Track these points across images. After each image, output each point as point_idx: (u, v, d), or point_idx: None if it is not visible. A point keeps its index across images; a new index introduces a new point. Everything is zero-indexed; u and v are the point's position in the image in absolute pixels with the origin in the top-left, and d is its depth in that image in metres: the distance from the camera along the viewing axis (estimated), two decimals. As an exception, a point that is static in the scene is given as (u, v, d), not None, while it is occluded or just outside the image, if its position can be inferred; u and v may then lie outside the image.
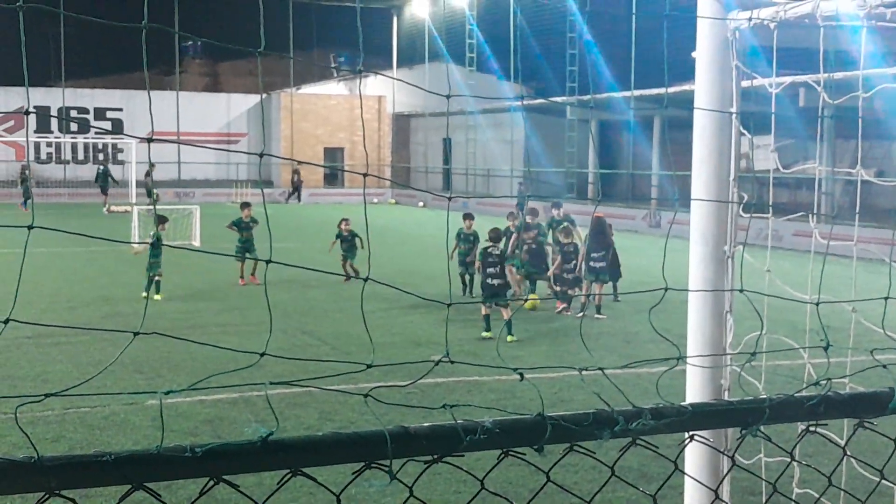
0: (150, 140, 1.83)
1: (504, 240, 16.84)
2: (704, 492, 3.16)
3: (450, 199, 2.13)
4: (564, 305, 17.36)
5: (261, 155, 1.84)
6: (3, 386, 11.63)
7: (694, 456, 3.28)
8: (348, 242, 20.81)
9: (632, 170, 44.81)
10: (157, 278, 17.95)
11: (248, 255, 19.47)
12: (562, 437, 1.93)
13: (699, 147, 3.64)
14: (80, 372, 12.28)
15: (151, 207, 29.38)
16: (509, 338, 14.70)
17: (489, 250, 15.78)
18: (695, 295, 3.50)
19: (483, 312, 15.35)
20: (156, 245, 17.54)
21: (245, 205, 20.85)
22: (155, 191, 45.28)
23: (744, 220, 3.74)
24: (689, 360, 3.40)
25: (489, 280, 15.57)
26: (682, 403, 2.09)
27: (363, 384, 9.71)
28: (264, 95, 61.26)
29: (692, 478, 3.18)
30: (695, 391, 3.41)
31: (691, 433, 2.16)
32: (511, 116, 49.74)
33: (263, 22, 2.26)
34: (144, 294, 17.93)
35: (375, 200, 54.82)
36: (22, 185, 45.22)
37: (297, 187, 54.38)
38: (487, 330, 15.12)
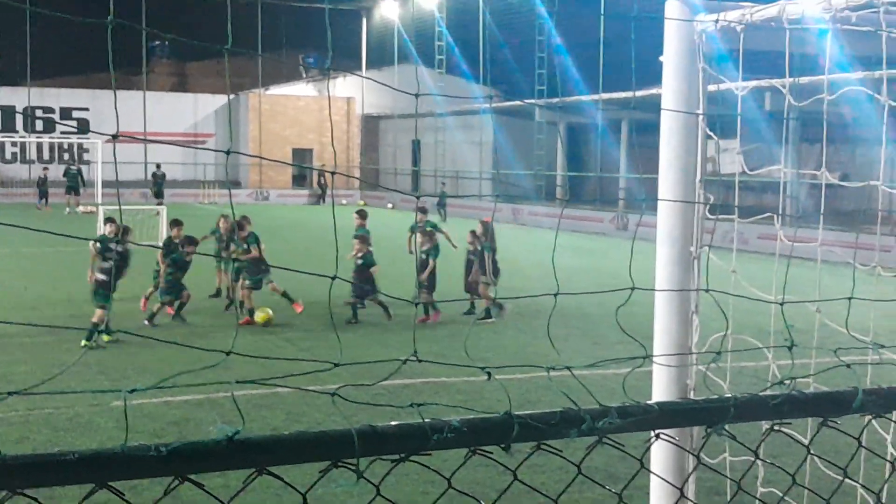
0: (115, 136, 1.82)
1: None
2: (670, 491, 3.18)
3: (418, 197, 2.13)
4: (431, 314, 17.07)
5: (227, 153, 1.83)
6: (-34, 387, 11.49)
7: (660, 455, 3.30)
8: None
9: (600, 172, 45.04)
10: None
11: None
12: (529, 435, 1.93)
13: (666, 149, 3.66)
14: (44, 373, 12.14)
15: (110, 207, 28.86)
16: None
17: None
18: (661, 295, 3.52)
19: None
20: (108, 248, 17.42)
21: (175, 223, 18.08)
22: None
23: (710, 221, 3.77)
24: (655, 359, 3.42)
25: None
26: (649, 402, 2.11)
27: (330, 385, 9.66)
28: (232, 96, 60.99)
29: (658, 476, 3.20)
30: (661, 390, 3.44)
31: (657, 432, 2.17)
32: (480, 119, 49.85)
33: (232, 21, 2.25)
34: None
35: (344, 202, 54.68)
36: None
37: (324, 189, 54.27)
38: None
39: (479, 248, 17.18)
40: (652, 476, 3.31)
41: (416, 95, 2.26)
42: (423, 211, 19.99)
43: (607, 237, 36.84)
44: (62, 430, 9.89)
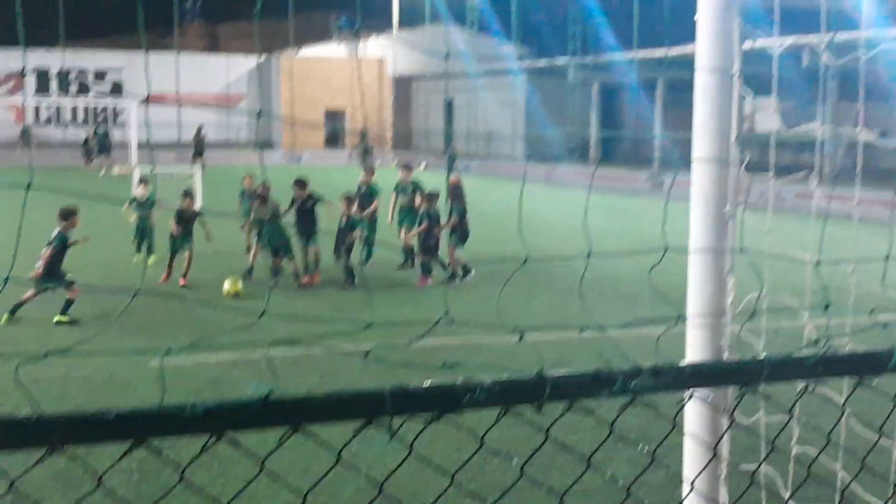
0: (147, 101, 1.83)
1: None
2: (704, 450, 3.18)
3: (450, 157, 2.12)
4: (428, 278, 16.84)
5: (259, 115, 1.83)
6: (6, 346, 11.67)
7: (693, 415, 3.29)
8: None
9: (634, 132, 44.68)
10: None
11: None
12: (561, 395, 1.93)
13: (701, 108, 3.62)
14: (82, 333, 12.33)
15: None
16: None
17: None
18: (695, 256, 3.50)
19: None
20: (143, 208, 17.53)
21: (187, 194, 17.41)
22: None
23: (745, 181, 3.73)
24: (689, 320, 3.41)
25: None
26: (682, 362, 2.10)
27: (364, 345, 9.75)
28: (263, 57, 60.90)
29: (692, 436, 3.20)
30: (695, 351, 3.42)
31: (691, 390, 2.17)
32: (512, 78, 49.51)
33: (263, -20, 2.24)
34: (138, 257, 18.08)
35: (378, 162, 54.70)
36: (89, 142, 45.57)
37: (367, 150, 53.76)
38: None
39: (433, 210, 16.85)
40: (685, 436, 3.31)
41: (446, 57, 2.24)
42: (408, 168, 18.99)
43: (641, 197, 36.61)
44: (101, 389, 10.04)
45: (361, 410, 1.77)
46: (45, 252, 13.27)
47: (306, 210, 16.54)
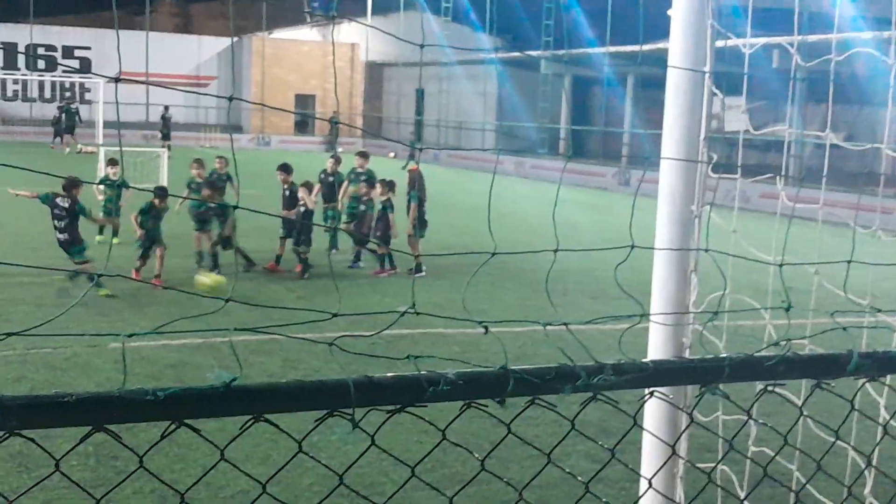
0: (117, 80, 1.81)
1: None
2: (662, 447, 3.21)
3: (419, 150, 2.12)
4: (391, 269, 16.75)
5: (230, 99, 1.82)
6: (-35, 325, 11.54)
7: (653, 412, 3.32)
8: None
9: (604, 127, 44.82)
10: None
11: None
12: (524, 390, 1.94)
13: (671, 106, 3.64)
14: (42, 313, 12.20)
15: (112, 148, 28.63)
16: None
17: None
18: (660, 253, 3.52)
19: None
20: (113, 188, 17.27)
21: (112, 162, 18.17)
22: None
23: (712, 180, 3.75)
24: (652, 317, 3.43)
25: None
26: (644, 360, 2.11)
27: (329, 333, 9.71)
28: (235, 39, 60.48)
29: (651, 433, 3.22)
30: (657, 348, 3.45)
31: (651, 389, 2.18)
32: (486, 69, 49.49)
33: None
34: (100, 237, 17.87)
35: (340, 149, 54.51)
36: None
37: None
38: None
39: (390, 199, 16.67)
40: (644, 432, 3.33)
41: (422, 46, 2.24)
42: (365, 156, 18.56)
43: (610, 192, 36.79)
44: (60, 370, 9.95)
45: (325, 401, 1.77)
46: (62, 224, 13.60)
47: (290, 195, 16.43)
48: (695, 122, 3.56)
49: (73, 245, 13.69)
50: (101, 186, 17.92)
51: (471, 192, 31.88)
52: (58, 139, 45.53)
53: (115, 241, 17.27)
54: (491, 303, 14.27)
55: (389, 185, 16.85)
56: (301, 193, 16.32)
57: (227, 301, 1.92)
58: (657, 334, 3.50)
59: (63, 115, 46.53)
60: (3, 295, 13.07)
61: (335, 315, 1.95)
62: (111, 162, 18.90)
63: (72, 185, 13.45)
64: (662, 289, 3.51)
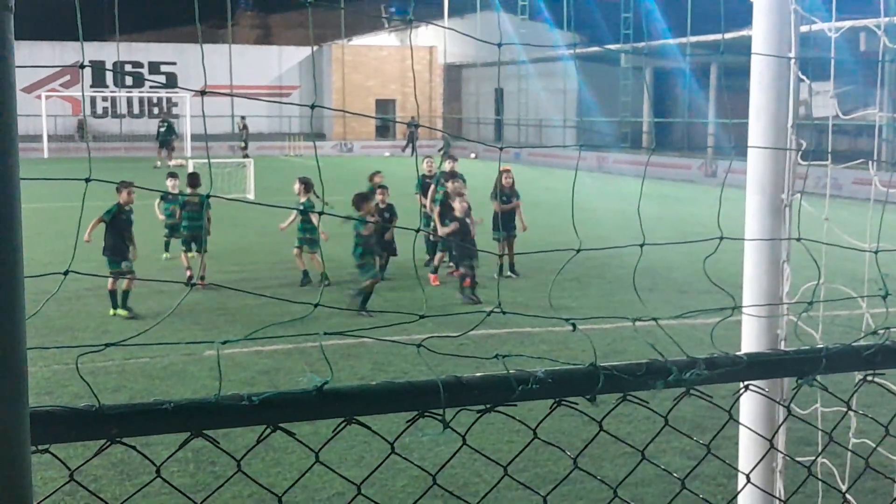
0: (203, 93, 1.84)
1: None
2: (759, 442, 3.14)
3: (501, 149, 2.12)
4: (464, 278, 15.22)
5: (312, 106, 1.84)
6: (65, 337, 11.89)
7: (749, 406, 3.25)
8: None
9: (687, 118, 44.22)
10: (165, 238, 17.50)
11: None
12: (614, 386, 1.92)
13: (756, 94, 3.56)
14: (138, 323, 12.52)
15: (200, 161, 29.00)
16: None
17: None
18: (751, 244, 3.45)
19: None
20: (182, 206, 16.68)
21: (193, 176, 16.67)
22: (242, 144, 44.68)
23: (802, 168, 3.67)
24: (744, 310, 3.37)
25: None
26: (737, 353, 2.08)
27: (416, 335, 9.77)
28: (315, 48, 61.24)
29: (747, 427, 3.16)
30: (750, 341, 3.38)
31: (746, 383, 2.14)
32: (563, 66, 49.22)
33: (313, -28, 2.24)
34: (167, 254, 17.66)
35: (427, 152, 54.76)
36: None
37: (410, 139, 53.28)
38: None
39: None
40: (741, 427, 3.27)
41: (499, 45, 2.23)
42: (453, 158, 18.27)
43: (695, 184, 36.25)
44: (157, 379, 10.19)
45: (415, 402, 1.78)
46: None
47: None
48: (781, 109, 3.48)
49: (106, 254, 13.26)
50: (162, 204, 17.64)
51: (554, 189, 31.74)
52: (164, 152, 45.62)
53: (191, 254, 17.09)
54: (577, 300, 14.18)
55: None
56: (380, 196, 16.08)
57: (315, 306, 1.95)
58: (750, 327, 3.43)
59: (162, 130, 47.25)
60: (101, 307, 13.43)
61: (422, 317, 1.96)
62: (170, 175, 18.15)
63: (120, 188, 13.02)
64: (754, 280, 3.44)
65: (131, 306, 13.23)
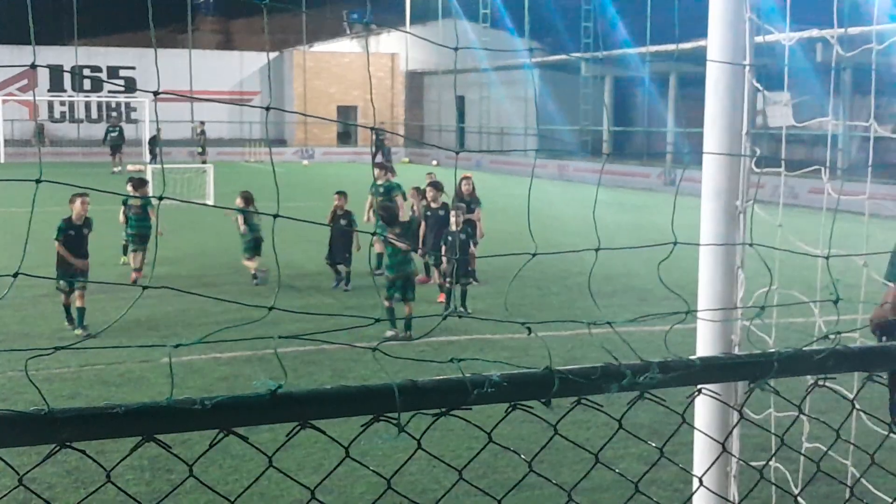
0: (156, 93, 1.83)
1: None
2: (714, 446, 3.17)
3: (457, 153, 2.12)
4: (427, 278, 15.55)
5: (268, 109, 1.84)
6: (20, 343, 11.73)
7: (703, 410, 3.29)
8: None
9: (646, 127, 44.56)
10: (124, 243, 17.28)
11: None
12: (569, 390, 1.93)
13: (712, 102, 3.61)
14: (95, 329, 12.37)
15: (158, 167, 28.78)
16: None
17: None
18: (706, 250, 3.49)
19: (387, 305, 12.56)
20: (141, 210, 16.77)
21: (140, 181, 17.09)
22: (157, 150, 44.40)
23: (757, 176, 3.71)
24: (699, 315, 3.40)
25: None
26: (691, 357, 2.10)
27: (375, 341, 9.76)
28: (276, 53, 60.98)
29: (701, 431, 3.19)
30: (705, 346, 3.42)
31: (699, 386, 2.16)
32: (525, 74, 49.38)
33: (272, -24, 2.24)
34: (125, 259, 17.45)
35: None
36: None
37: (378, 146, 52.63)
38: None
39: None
40: (696, 432, 3.30)
41: (456, 49, 2.24)
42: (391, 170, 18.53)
43: (654, 192, 36.53)
44: (114, 386, 10.08)
45: (370, 406, 1.77)
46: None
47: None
48: (736, 116, 3.53)
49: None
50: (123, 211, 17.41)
51: (515, 196, 31.82)
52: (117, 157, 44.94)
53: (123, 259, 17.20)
54: (537, 307, 14.23)
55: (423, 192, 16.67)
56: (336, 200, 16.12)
57: (270, 309, 1.94)
58: (705, 332, 3.47)
59: (112, 134, 46.72)
60: (57, 313, 13.25)
61: (377, 320, 1.96)
62: (130, 181, 17.52)
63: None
64: (709, 286, 3.48)
65: (87, 324, 12.57)
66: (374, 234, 2.17)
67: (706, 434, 3.13)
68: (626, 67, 42.52)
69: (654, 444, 2.37)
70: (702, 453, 3.33)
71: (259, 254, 16.07)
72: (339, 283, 15.78)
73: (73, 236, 12.69)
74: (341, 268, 15.83)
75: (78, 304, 12.60)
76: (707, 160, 3.55)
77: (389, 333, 11.86)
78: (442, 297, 14.60)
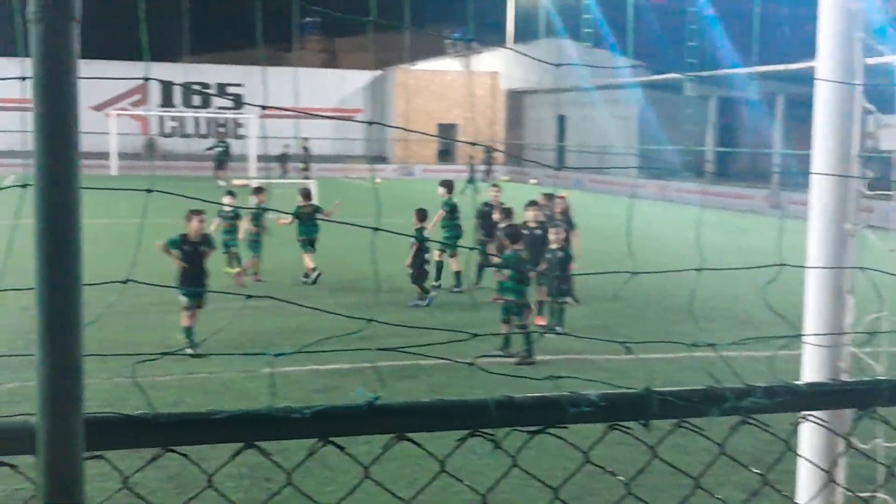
0: (263, 107, 1.87)
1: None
2: (818, 475, 3.08)
3: (557, 169, 2.11)
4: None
5: (370, 123, 1.86)
6: (126, 351, 12.05)
7: (809, 438, 3.19)
8: None
9: (753, 148, 43.71)
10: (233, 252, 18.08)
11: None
12: (669, 412, 1.90)
13: (821, 122, 3.52)
14: (199, 338, 12.65)
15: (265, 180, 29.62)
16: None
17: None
18: (813, 273, 3.39)
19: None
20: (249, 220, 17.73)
21: (258, 190, 19.22)
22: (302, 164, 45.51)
23: (868, 201, 3.61)
24: (805, 340, 3.31)
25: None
26: (796, 382, 2.04)
27: (472, 358, 9.76)
28: (379, 72, 61.72)
29: (806, 459, 3.10)
30: (811, 372, 3.32)
31: (805, 413, 2.10)
32: (627, 93, 49.00)
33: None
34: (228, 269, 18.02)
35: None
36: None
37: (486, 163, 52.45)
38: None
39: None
40: (799, 460, 3.21)
41: (557, 65, 2.24)
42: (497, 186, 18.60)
43: (759, 215, 35.78)
44: (215, 395, 10.29)
45: (466, 420, 1.77)
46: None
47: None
48: (846, 137, 3.43)
49: None
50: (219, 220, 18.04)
51: (614, 216, 31.55)
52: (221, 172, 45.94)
53: (234, 271, 17.86)
54: (635, 328, 14.04)
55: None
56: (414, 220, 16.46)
57: (369, 321, 1.95)
58: (811, 358, 3.37)
59: (218, 151, 47.77)
60: (163, 322, 13.59)
61: (475, 335, 1.96)
62: (229, 193, 18.46)
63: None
64: (816, 310, 3.39)
65: (198, 342, 12.21)
66: (471, 248, 2.17)
67: (812, 462, 3.04)
68: (731, 87, 41.82)
69: (757, 472, 2.31)
70: (806, 482, 3.24)
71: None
72: (425, 301, 15.94)
73: (189, 252, 12.75)
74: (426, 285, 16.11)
75: (186, 322, 12.50)
76: (815, 182, 3.46)
77: (509, 354, 11.68)
78: (539, 320, 14.34)
